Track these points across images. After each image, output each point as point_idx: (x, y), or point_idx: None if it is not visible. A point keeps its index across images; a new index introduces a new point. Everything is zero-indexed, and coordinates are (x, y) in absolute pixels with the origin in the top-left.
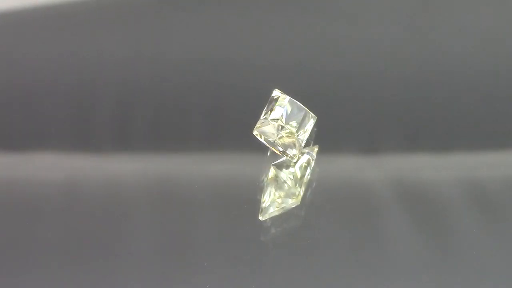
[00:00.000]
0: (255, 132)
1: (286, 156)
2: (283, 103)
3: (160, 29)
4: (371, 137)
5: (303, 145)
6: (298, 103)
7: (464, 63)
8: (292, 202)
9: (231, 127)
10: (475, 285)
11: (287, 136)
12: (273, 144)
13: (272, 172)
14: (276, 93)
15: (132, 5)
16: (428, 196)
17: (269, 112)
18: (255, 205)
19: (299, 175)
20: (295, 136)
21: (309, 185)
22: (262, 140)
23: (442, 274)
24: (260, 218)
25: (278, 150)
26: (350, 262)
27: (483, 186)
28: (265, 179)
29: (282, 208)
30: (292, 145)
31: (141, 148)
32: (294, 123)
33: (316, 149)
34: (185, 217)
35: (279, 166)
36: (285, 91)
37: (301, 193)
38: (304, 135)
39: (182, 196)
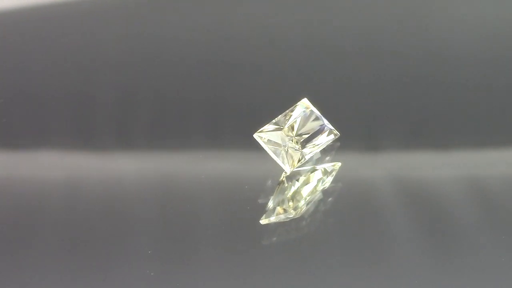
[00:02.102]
0: (256, 135)
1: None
2: (300, 113)
3: (161, 27)
4: (372, 135)
5: (306, 158)
6: (320, 116)
7: (466, 60)
8: (292, 213)
9: (234, 126)
10: (475, 284)
11: (291, 148)
12: (275, 152)
13: (282, 179)
14: (302, 102)
15: (133, 2)
16: (433, 195)
17: (285, 120)
18: (257, 208)
19: (308, 189)
20: (294, 149)
21: (318, 200)
22: (261, 144)
23: (444, 274)
24: (261, 221)
25: (275, 159)
26: (350, 263)
27: (485, 184)
28: (276, 186)
29: (282, 218)
30: (290, 160)
31: (143, 147)
32: (305, 135)
33: (337, 166)
34: (186, 216)
35: (291, 177)
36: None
37: (304, 208)
38: (313, 149)
39: (183, 195)
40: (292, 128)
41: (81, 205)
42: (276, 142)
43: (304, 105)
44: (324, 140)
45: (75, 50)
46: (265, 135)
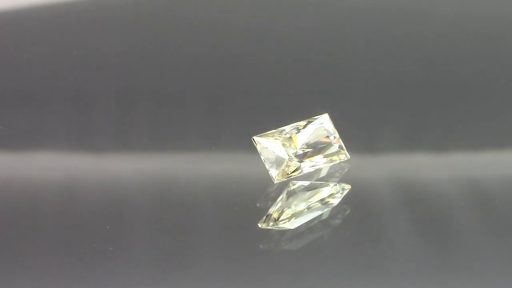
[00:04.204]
0: (253, 138)
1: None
2: (312, 127)
3: (161, 27)
4: (371, 137)
5: (304, 171)
6: (332, 134)
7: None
8: (289, 224)
9: (233, 127)
10: (474, 285)
11: (287, 159)
12: (268, 159)
13: (288, 188)
14: (321, 116)
15: (133, 2)
16: (431, 196)
17: (293, 130)
18: (255, 210)
19: (310, 203)
20: (290, 161)
21: (319, 215)
22: (256, 147)
23: (444, 275)
24: (260, 225)
25: (266, 165)
26: (350, 265)
27: (483, 185)
28: (279, 193)
29: (280, 227)
30: (282, 170)
31: (141, 148)
32: (310, 149)
33: (346, 188)
34: (184, 217)
35: (295, 191)
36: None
37: (300, 221)
38: (315, 165)
39: (181, 196)
40: (297, 139)
41: (79, 206)
42: (272, 150)
43: (321, 120)
44: (330, 158)
45: (73, 51)
46: (262, 140)
